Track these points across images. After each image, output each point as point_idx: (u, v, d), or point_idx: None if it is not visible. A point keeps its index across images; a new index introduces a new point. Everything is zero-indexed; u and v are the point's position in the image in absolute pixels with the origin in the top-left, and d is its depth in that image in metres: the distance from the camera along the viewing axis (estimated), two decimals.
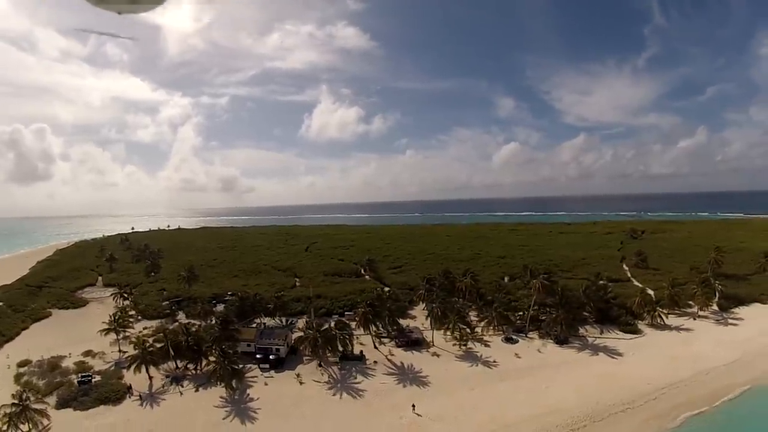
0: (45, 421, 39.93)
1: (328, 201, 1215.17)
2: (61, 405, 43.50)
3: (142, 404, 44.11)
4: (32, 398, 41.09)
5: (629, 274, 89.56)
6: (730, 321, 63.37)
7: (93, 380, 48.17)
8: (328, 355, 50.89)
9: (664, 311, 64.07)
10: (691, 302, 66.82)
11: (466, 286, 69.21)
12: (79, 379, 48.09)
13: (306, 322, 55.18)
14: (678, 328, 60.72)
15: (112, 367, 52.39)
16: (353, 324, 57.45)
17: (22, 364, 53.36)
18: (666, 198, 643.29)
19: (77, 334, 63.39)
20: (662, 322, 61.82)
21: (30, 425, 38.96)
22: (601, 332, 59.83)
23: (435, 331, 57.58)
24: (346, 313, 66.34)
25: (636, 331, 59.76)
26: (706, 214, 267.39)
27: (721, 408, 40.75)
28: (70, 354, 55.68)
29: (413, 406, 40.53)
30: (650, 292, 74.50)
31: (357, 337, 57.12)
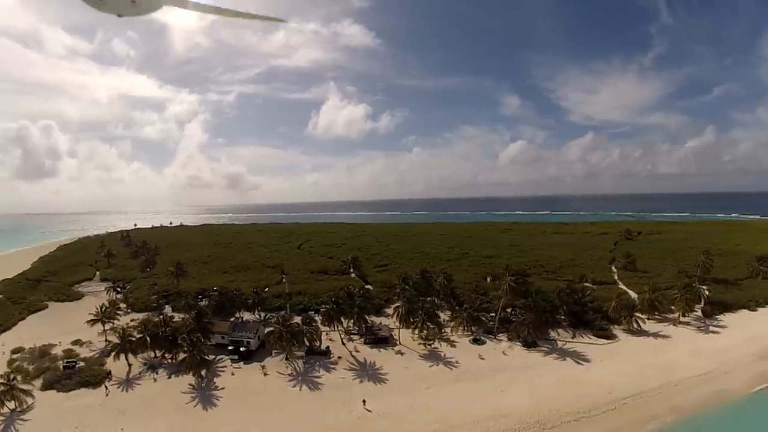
0: (29, 400, 43.43)
1: (333, 199, 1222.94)
2: (45, 387, 46.95)
3: (110, 390, 46.75)
4: (19, 379, 44.51)
5: (616, 277, 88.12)
6: (712, 328, 61.22)
7: (77, 365, 51.52)
8: (294, 349, 52.63)
9: (643, 316, 62.76)
10: (673, 307, 65.15)
11: (440, 286, 69.76)
12: (65, 364, 51.54)
13: (277, 317, 57.02)
14: (656, 335, 59.00)
15: (97, 355, 55.63)
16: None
17: (16, 350, 57.21)
18: (672, 198, 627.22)
19: (70, 324, 66.91)
20: (639, 328, 60.43)
21: (16, 403, 42.39)
22: (573, 336, 59.05)
23: (404, 329, 58.55)
24: (321, 309, 67.87)
25: (610, 337, 58.69)
26: (708, 215, 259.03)
27: (686, 423, 38.58)
28: (60, 342, 59.27)
29: (364, 401, 41.84)
30: (633, 295, 73.26)
31: (327, 333, 58.84)
